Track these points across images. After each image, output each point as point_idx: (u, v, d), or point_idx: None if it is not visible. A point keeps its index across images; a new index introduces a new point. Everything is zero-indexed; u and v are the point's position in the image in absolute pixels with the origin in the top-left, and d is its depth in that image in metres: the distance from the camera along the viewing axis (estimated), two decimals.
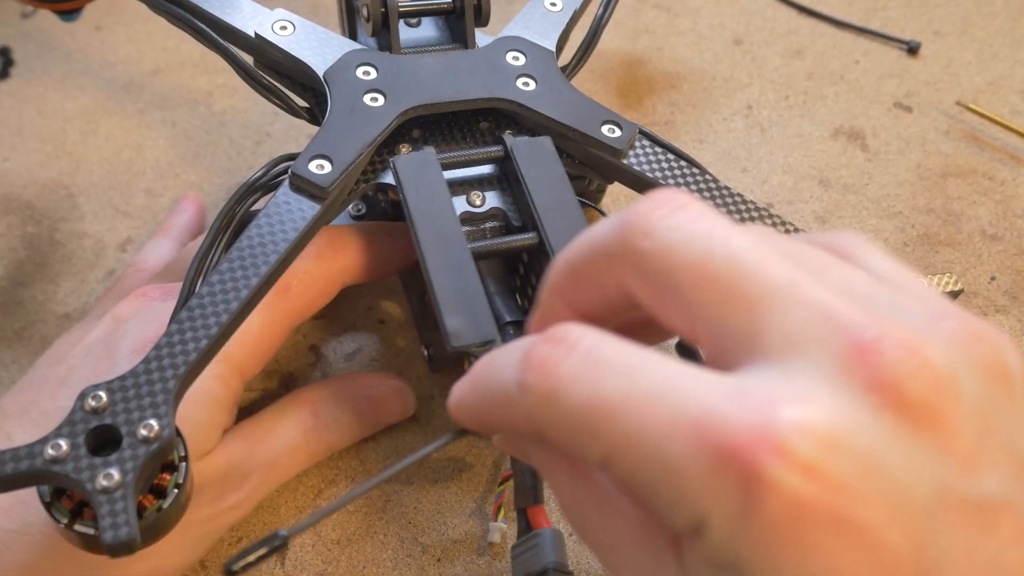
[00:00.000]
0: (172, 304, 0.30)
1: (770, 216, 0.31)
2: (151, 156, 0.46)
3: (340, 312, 0.39)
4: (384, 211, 0.38)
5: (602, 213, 0.39)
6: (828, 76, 0.48)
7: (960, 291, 0.31)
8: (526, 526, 0.28)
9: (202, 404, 0.29)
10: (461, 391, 0.20)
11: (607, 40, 0.51)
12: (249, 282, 0.27)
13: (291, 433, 0.32)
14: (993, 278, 0.39)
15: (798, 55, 0.50)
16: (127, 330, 0.30)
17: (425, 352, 0.35)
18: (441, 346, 0.29)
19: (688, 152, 0.45)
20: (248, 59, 0.34)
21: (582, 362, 0.17)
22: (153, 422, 0.24)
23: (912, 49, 0.49)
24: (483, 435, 0.23)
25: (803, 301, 0.16)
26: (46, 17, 0.52)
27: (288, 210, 0.29)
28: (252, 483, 0.31)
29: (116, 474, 0.23)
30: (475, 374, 0.20)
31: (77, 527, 0.24)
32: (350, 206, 0.36)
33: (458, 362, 0.27)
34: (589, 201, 0.39)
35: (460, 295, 0.27)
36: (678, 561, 0.17)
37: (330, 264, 0.31)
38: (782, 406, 0.15)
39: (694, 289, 0.17)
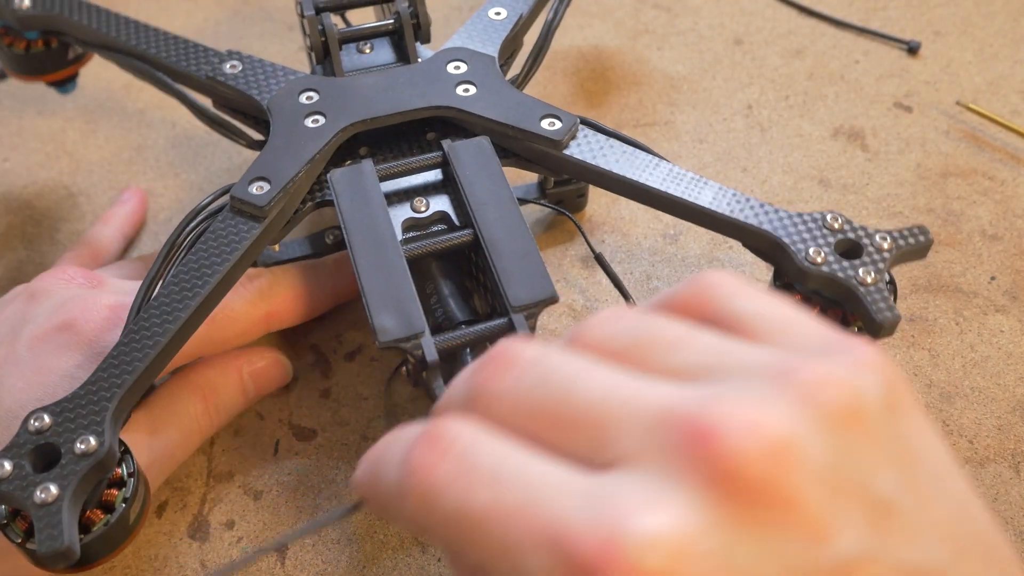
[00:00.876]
0: (90, 292, 0.32)
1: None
2: (151, 156, 0.46)
3: (340, 312, 0.39)
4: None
5: (575, 223, 0.39)
6: (828, 76, 0.48)
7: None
8: None
9: None
10: (360, 471, 0.20)
11: (607, 40, 0.51)
12: (188, 304, 0.28)
13: (184, 421, 0.32)
14: (993, 278, 0.39)
15: (798, 55, 0.50)
16: (35, 315, 0.31)
17: (404, 370, 0.35)
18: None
19: (688, 152, 0.45)
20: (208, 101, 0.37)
21: (454, 468, 0.17)
22: (91, 438, 0.25)
23: (912, 49, 0.49)
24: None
25: (638, 410, 0.17)
26: None
27: (227, 232, 0.30)
28: (150, 474, 0.30)
29: (54, 488, 0.24)
30: (371, 457, 0.20)
31: (27, 545, 0.25)
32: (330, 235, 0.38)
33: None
34: (564, 210, 0.39)
35: (389, 295, 0.28)
36: None
37: (255, 309, 0.33)
38: (630, 517, 0.15)
39: (542, 430, 0.17)
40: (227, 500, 0.34)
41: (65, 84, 0.42)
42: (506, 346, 0.19)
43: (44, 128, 0.48)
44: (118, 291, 0.33)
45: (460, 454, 0.17)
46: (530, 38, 0.39)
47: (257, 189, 0.31)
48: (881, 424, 0.16)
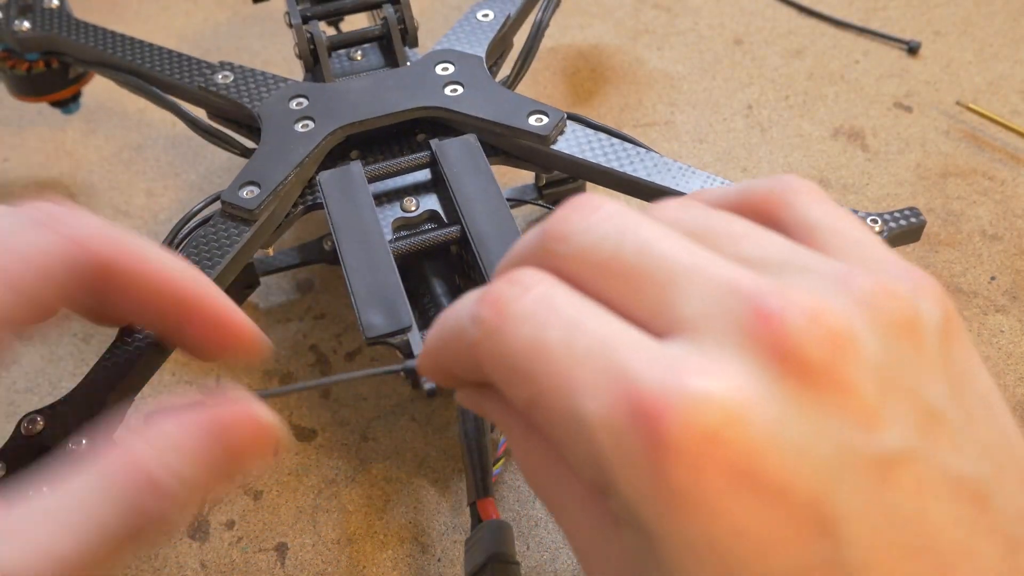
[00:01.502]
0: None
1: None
2: (151, 156, 0.46)
3: (340, 312, 0.39)
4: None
5: None
6: (828, 76, 0.48)
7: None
8: (476, 520, 0.28)
9: None
10: (427, 335, 0.21)
11: (607, 40, 0.51)
12: None
13: (104, 515, 0.19)
14: (993, 278, 0.39)
15: (798, 55, 0.50)
16: None
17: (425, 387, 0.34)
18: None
19: (689, 152, 0.45)
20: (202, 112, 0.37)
21: (533, 304, 0.18)
22: (83, 440, 0.26)
23: (912, 49, 0.49)
24: (444, 391, 0.24)
25: (709, 280, 0.17)
26: None
27: (218, 236, 0.31)
28: None
29: None
30: (440, 318, 0.20)
31: None
32: None
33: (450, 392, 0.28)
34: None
35: (377, 291, 0.28)
36: (615, 527, 0.17)
37: (51, 234, 0.21)
38: (692, 376, 0.16)
39: (610, 284, 0.18)
40: (227, 500, 0.33)
41: (68, 104, 0.42)
42: (587, 196, 0.19)
43: (44, 128, 0.48)
44: None
45: (540, 295, 0.18)
46: (522, 40, 0.39)
47: (247, 193, 0.31)
48: (936, 344, 0.17)
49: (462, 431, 0.29)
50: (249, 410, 0.21)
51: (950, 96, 0.47)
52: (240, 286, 0.35)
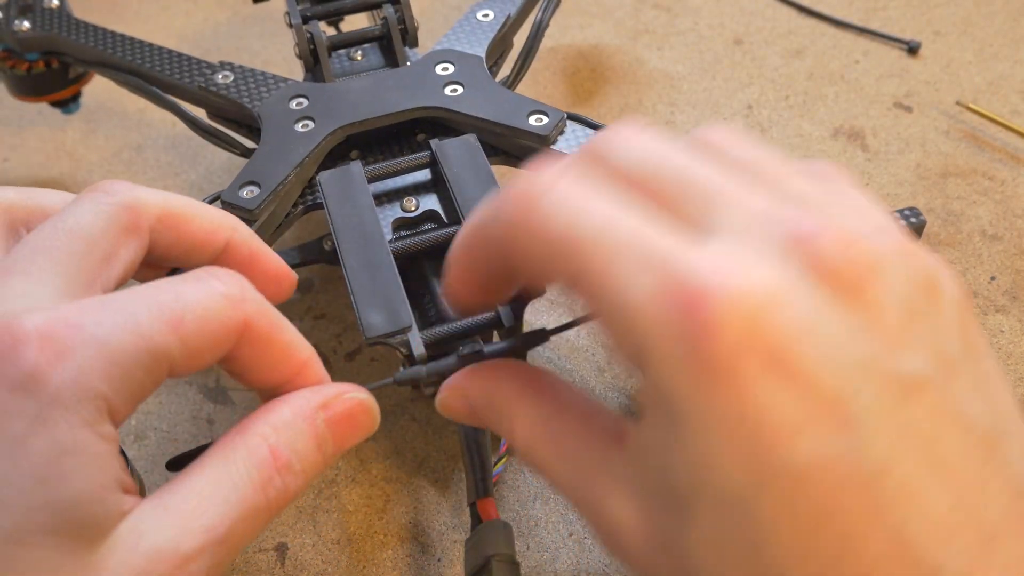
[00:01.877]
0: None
1: None
2: (151, 156, 0.46)
3: (340, 312, 0.39)
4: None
5: None
6: (828, 76, 0.48)
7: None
8: (476, 520, 0.28)
9: (77, 467, 0.20)
10: (456, 238, 0.22)
11: (607, 40, 0.51)
12: None
13: (244, 491, 0.22)
14: (993, 278, 0.39)
15: (798, 55, 0.50)
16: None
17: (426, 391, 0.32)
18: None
19: None
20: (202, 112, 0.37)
21: (571, 187, 0.19)
22: None
23: (912, 49, 0.49)
24: (425, 390, 0.26)
25: (744, 200, 0.18)
26: None
27: None
28: (194, 569, 0.21)
29: None
30: (471, 217, 0.22)
31: None
32: None
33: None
34: None
35: (376, 292, 0.28)
36: (622, 454, 0.19)
37: (234, 310, 0.22)
38: (735, 265, 0.17)
39: (647, 195, 0.19)
40: None
41: (68, 104, 0.43)
42: (630, 120, 0.20)
43: (44, 128, 0.48)
44: (45, 297, 0.22)
45: (577, 177, 0.19)
46: (522, 40, 0.39)
47: (247, 193, 0.31)
48: (954, 312, 0.18)
49: (462, 431, 0.29)
50: (349, 391, 0.24)
51: (950, 96, 0.47)
52: None
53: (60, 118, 0.47)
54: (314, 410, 0.24)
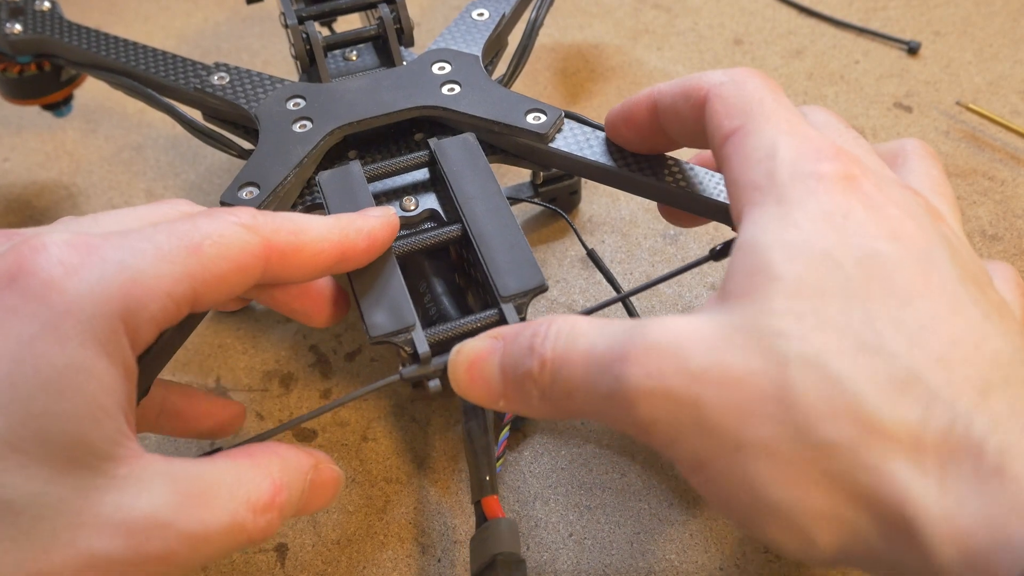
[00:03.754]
0: (32, 235, 0.23)
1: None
2: (151, 156, 0.46)
3: None
4: None
5: (568, 220, 0.39)
6: (828, 76, 0.48)
7: None
8: (482, 518, 0.28)
9: (80, 383, 0.20)
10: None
11: (607, 40, 0.51)
12: None
13: (238, 506, 0.22)
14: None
15: (798, 55, 0.50)
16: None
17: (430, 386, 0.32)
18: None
19: (689, 151, 0.45)
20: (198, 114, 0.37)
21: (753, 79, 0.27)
22: None
23: (912, 49, 0.49)
24: (447, 392, 0.26)
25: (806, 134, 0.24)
26: None
27: None
28: (171, 554, 0.21)
29: None
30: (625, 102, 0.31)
31: None
32: None
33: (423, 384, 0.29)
34: (557, 208, 0.40)
35: (379, 291, 0.28)
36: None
37: (249, 235, 0.24)
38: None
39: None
40: None
41: (60, 107, 0.42)
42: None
43: (44, 128, 0.48)
44: (72, 229, 0.24)
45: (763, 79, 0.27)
46: (517, 38, 0.39)
47: (247, 194, 0.31)
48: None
49: (465, 429, 0.29)
50: (330, 461, 0.27)
51: (950, 96, 0.47)
52: None
53: (60, 119, 0.47)
54: (308, 468, 0.25)
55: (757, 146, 0.24)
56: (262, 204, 0.31)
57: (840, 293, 0.21)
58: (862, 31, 0.50)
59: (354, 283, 0.28)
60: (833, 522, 0.20)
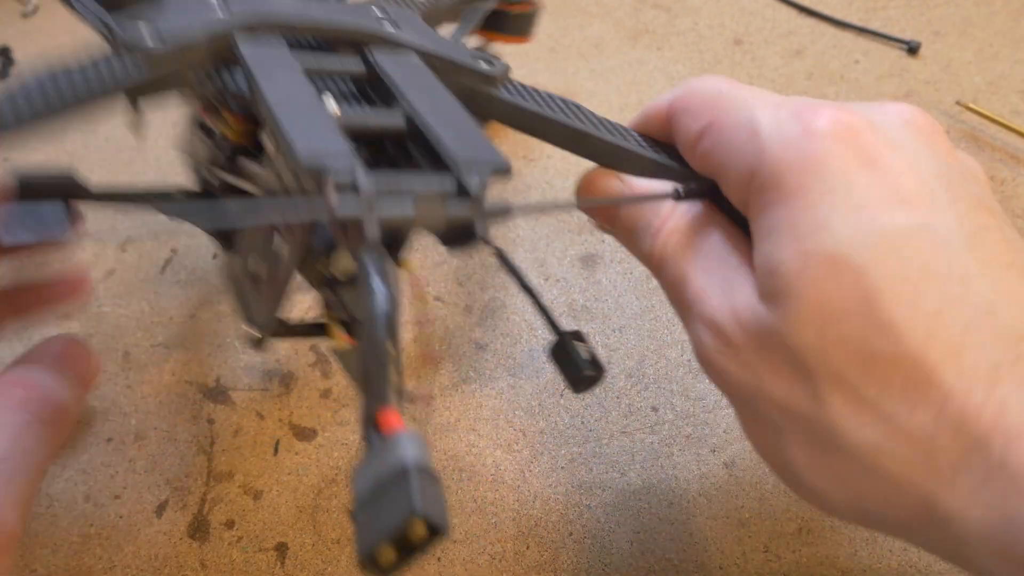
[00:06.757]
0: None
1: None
2: (151, 156, 0.46)
3: None
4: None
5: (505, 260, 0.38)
6: (828, 76, 0.48)
7: None
8: (375, 435, 0.18)
9: None
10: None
11: (607, 39, 0.51)
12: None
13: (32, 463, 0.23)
14: None
15: (798, 55, 0.50)
16: None
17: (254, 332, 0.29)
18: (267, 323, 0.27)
19: None
20: None
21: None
22: None
23: (912, 49, 0.49)
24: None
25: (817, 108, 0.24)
26: (46, 17, 0.52)
27: (104, 70, 0.28)
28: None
29: None
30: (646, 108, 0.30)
31: None
32: None
33: (284, 334, 0.27)
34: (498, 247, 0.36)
35: (310, 124, 0.23)
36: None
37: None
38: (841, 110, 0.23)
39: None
40: (227, 500, 0.34)
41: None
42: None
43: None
44: None
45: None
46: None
47: (150, 35, 0.27)
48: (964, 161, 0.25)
49: (366, 339, 0.19)
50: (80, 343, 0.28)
51: (950, 96, 0.47)
52: None
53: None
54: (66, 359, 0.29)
55: (736, 129, 0.24)
56: (169, 52, 0.27)
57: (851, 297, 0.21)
58: (862, 31, 0.50)
59: (275, 111, 0.24)
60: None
